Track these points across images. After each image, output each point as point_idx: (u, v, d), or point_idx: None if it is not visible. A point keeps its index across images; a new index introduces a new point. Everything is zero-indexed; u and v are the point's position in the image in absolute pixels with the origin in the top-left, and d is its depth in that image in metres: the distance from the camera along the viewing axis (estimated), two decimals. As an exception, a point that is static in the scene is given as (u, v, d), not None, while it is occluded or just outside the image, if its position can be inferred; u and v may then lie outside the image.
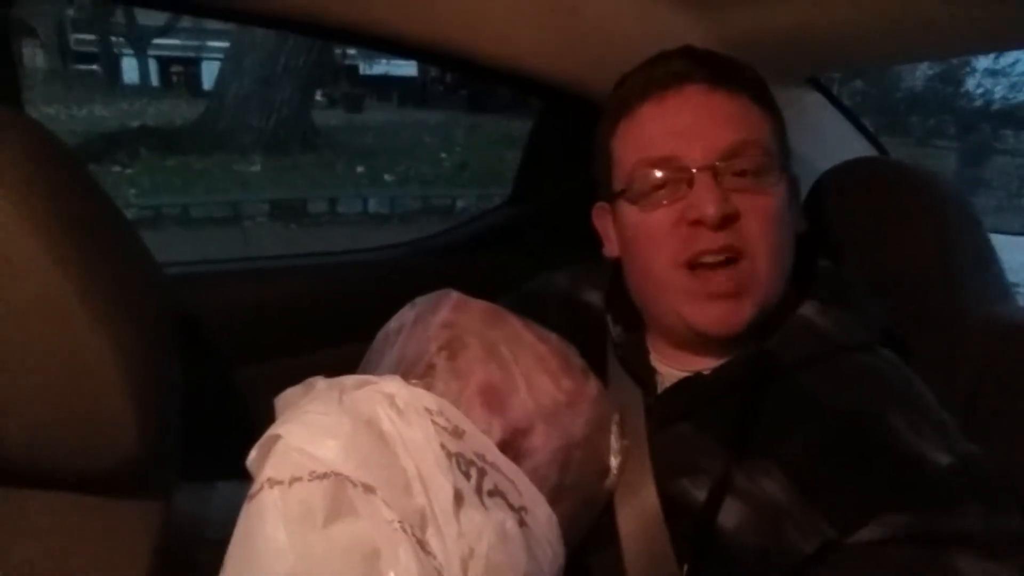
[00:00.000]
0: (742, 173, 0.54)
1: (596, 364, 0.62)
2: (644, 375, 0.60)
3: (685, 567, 0.52)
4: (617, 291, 0.66)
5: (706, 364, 0.58)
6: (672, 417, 0.57)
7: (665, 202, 0.55)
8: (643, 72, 0.59)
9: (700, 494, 0.52)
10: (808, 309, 0.58)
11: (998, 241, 0.76)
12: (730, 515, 0.51)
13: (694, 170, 0.54)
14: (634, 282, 0.61)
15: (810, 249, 0.62)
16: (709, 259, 0.54)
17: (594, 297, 0.68)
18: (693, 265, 0.55)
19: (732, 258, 0.54)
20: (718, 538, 0.51)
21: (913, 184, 0.74)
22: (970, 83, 9.81)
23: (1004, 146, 9.49)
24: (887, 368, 0.55)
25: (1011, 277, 0.77)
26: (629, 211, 0.58)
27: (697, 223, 0.53)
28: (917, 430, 0.50)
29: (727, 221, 0.53)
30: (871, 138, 1.09)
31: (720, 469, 0.52)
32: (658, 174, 0.55)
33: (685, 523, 0.53)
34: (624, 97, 0.59)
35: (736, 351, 0.57)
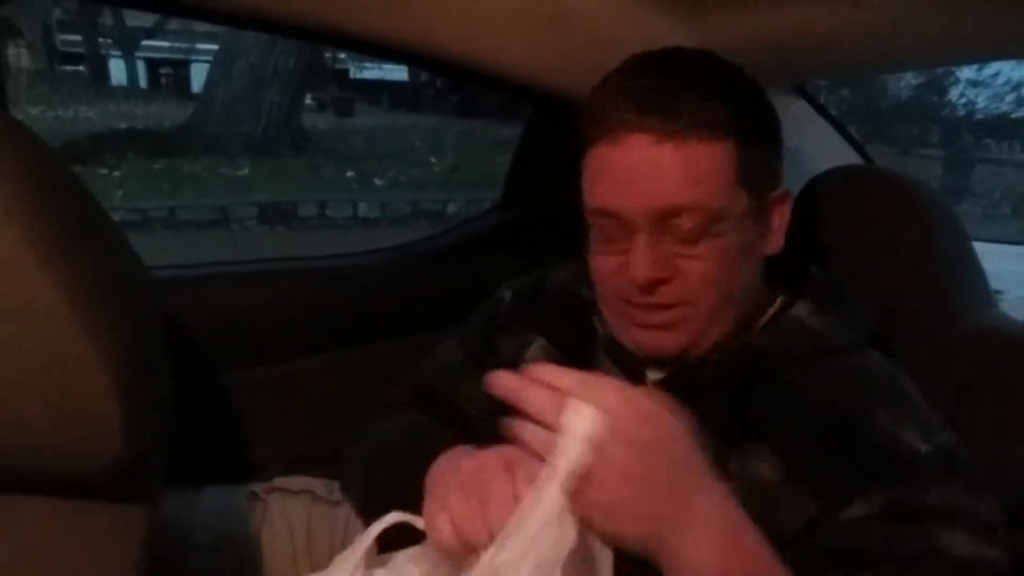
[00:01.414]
0: (683, 237, 0.54)
1: (584, 353, 0.65)
2: (634, 370, 0.62)
3: None
4: None
5: (708, 345, 0.59)
6: None
7: (612, 250, 0.57)
8: (605, 102, 0.56)
9: None
10: (800, 310, 0.59)
11: (981, 249, 0.77)
12: None
13: (635, 228, 0.54)
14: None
15: (803, 252, 0.63)
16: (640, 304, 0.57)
17: (586, 292, 0.68)
18: (629, 302, 0.57)
19: (669, 307, 0.56)
20: None
21: (898, 192, 0.75)
22: (953, 93, 9.98)
23: (987, 155, 9.64)
24: (874, 368, 0.57)
25: (993, 284, 0.79)
26: (592, 243, 0.61)
27: (632, 279, 0.55)
28: (900, 423, 0.52)
29: (657, 284, 0.55)
30: (856, 146, 1.10)
31: (713, 457, 0.52)
32: (608, 224, 0.56)
33: None
34: (586, 126, 0.57)
35: (727, 345, 0.59)
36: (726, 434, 0.54)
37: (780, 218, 0.60)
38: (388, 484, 0.62)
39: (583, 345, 0.66)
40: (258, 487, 0.84)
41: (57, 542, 0.43)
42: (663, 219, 0.53)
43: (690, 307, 0.56)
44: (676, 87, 0.54)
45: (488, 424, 0.67)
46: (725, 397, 0.55)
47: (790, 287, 0.62)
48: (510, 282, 0.77)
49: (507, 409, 0.64)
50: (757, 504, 0.50)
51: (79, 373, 0.38)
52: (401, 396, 0.77)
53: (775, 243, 0.60)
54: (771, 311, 0.61)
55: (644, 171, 0.53)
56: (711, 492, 0.44)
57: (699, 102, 0.53)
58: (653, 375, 0.62)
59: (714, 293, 0.56)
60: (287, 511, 0.81)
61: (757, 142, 0.57)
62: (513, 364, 0.66)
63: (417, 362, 0.79)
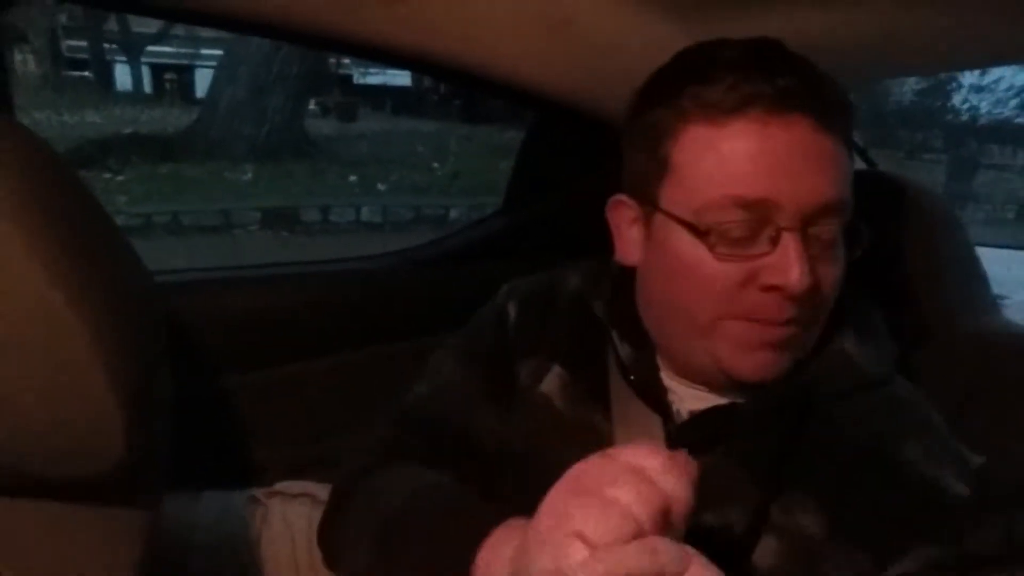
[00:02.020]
0: (826, 240, 0.48)
1: (602, 381, 0.58)
2: (660, 400, 0.55)
3: None
4: (622, 303, 0.58)
5: (728, 395, 0.54)
6: (696, 446, 0.51)
7: (741, 255, 0.47)
8: (736, 72, 0.46)
9: (731, 528, 0.49)
10: (847, 343, 0.53)
11: (984, 254, 0.77)
12: (765, 551, 0.48)
13: (784, 226, 0.46)
14: (660, 309, 0.54)
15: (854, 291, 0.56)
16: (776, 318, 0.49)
17: (598, 307, 0.61)
18: (747, 318, 0.49)
19: (794, 323, 0.49)
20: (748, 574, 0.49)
21: (901, 197, 0.75)
22: (956, 98, 9.96)
23: (990, 160, 9.62)
24: (904, 397, 0.54)
25: (997, 289, 0.79)
26: (688, 244, 0.49)
27: (773, 289, 0.46)
28: (935, 458, 0.49)
29: (807, 293, 0.46)
30: (860, 151, 1.10)
31: (756, 502, 0.49)
32: (744, 220, 0.46)
33: (709, 557, 0.51)
34: (710, 99, 0.47)
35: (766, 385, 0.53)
36: (766, 477, 0.50)
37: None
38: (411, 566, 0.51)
39: (600, 372, 0.58)
40: (259, 491, 0.84)
41: (58, 545, 0.43)
42: (815, 218, 0.46)
43: (810, 323, 0.49)
44: (825, 79, 0.48)
45: (503, 456, 0.61)
46: (768, 437, 0.50)
47: (832, 316, 0.54)
48: (511, 287, 0.68)
49: (525, 440, 0.60)
50: (802, 559, 0.48)
51: (81, 376, 0.38)
52: (393, 434, 0.66)
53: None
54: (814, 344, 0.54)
55: (810, 160, 0.46)
56: None
57: (845, 102, 0.49)
58: (682, 407, 0.55)
59: (828, 307, 0.50)
60: (288, 515, 0.81)
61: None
62: (529, 392, 0.61)
63: (419, 367, 0.77)
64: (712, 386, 0.54)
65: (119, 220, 0.51)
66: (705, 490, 0.48)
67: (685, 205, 0.48)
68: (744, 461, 0.50)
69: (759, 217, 0.46)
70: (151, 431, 0.44)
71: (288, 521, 0.80)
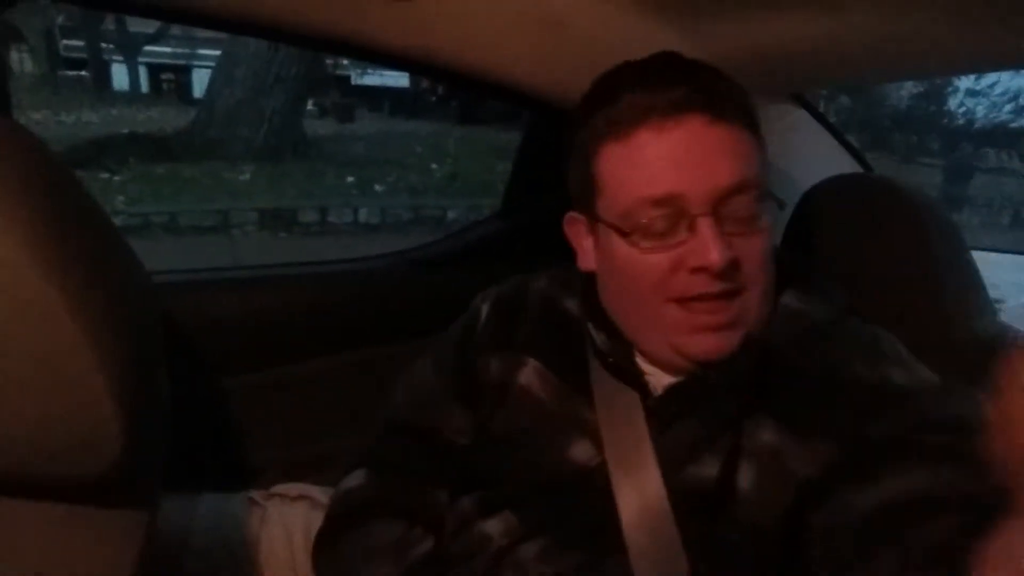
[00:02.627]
0: (742, 216, 0.53)
1: (578, 370, 0.63)
2: (636, 379, 0.61)
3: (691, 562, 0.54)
4: (592, 301, 0.65)
5: (696, 365, 0.59)
6: (678, 413, 0.58)
7: (664, 245, 0.54)
8: (636, 92, 0.54)
9: (709, 471, 0.55)
10: (789, 298, 0.61)
11: (980, 258, 0.77)
12: (744, 477, 0.54)
13: (696, 213, 0.52)
14: (617, 306, 0.61)
15: (787, 249, 0.67)
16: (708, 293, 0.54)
17: (571, 304, 0.67)
18: (683, 300, 0.55)
19: (732, 294, 0.55)
20: (732, 508, 0.54)
21: (897, 201, 0.75)
22: (952, 102, 10.01)
23: (986, 164, 9.66)
24: (853, 331, 0.60)
25: (993, 294, 0.79)
26: (620, 244, 0.56)
27: (699, 270, 0.53)
28: (881, 366, 0.55)
29: (729, 268, 0.53)
30: (856, 154, 1.10)
31: (730, 447, 0.55)
32: (660, 215, 0.53)
33: (695, 508, 0.55)
34: (615, 118, 0.55)
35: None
36: (735, 422, 0.55)
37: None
38: None
39: (576, 362, 0.64)
40: (256, 493, 0.84)
41: (55, 546, 0.43)
42: (723, 199, 0.52)
43: (748, 296, 0.55)
44: (716, 79, 0.55)
45: (478, 452, 0.67)
46: (736, 394, 0.56)
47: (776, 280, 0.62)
48: (486, 293, 0.74)
49: (498, 437, 0.65)
50: (772, 467, 0.54)
51: (78, 377, 0.38)
52: (376, 445, 0.72)
53: (776, 237, 0.63)
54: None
55: (705, 151, 0.52)
56: None
57: (736, 94, 0.55)
58: (658, 384, 0.61)
59: (765, 276, 0.56)
60: (285, 517, 0.81)
61: (763, 139, 0.58)
62: (502, 387, 0.66)
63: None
64: (680, 369, 0.59)
65: (116, 220, 0.51)
66: (686, 448, 0.55)
67: (613, 212, 0.56)
68: (716, 418, 0.56)
69: (673, 210, 0.53)
70: (147, 432, 0.44)
71: (287, 524, 0.80)
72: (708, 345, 0.56)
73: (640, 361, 0.62)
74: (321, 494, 0.84)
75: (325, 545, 0.68)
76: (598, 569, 0.56)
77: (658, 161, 0.53)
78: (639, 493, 0.56)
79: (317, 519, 0.75)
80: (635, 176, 0.54)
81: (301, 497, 0.84)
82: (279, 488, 0.85)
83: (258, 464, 0.96)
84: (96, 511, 0.44)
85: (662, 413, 0.59)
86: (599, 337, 0.62)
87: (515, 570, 0.58)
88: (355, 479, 0.71)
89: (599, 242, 0.60)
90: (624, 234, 0.55)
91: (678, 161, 0.53)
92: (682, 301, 0.55)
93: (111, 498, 0.44)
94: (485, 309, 0.72)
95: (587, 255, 0.63)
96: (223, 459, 0.96)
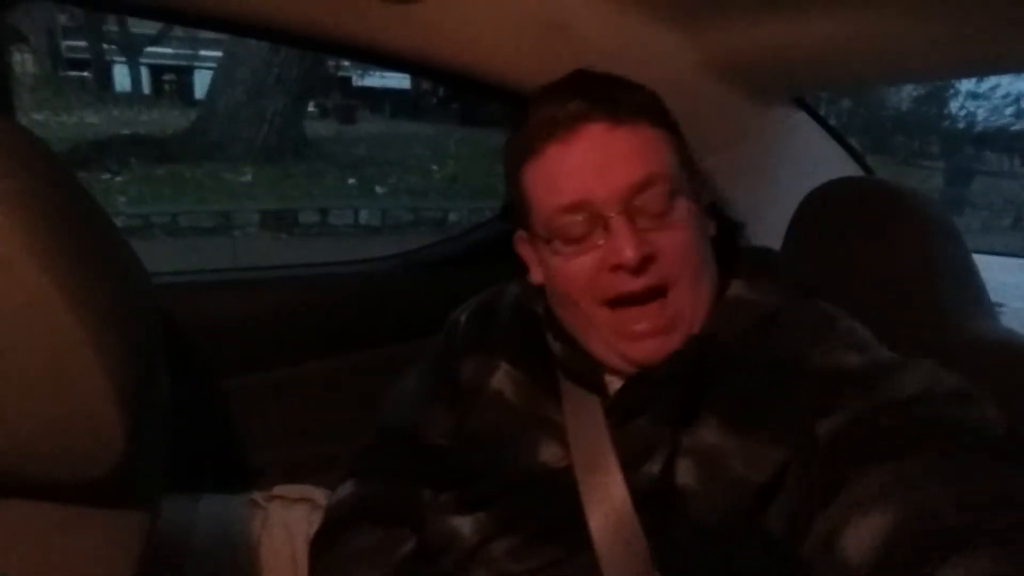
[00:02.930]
0: (654, 211, 0.56)
1: (547, 374, 0.65)
2: (595, 383, 0.62)
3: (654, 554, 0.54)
4: (549, 312, 0.66)
5: (640, 368, 0.60)
6: (629, 413, 0.59)
7: (585, 249, 0.57)
8: (542, 111, 0.58)
9: (657, 470, 0.56)
10: (737, 288, 0.61)
11: (981, 261, 0.77)
12: (685, 473, 0.55)
13: (609, 215, 0.55)
14: (563, 314, 0.63)
15: (731, 232, 0.66)
16: (631, 292, 0.56)
17: (539, 307, 0.69)
18: (615, 304, 0.57)
19: (657, 292, 0.56)
20: (682, 506, 0.54)
21: (898, 204, 0.75)
22: (953, 105, 10.01)
23: (987, 167, 9.66)
24: (806, 315, 0.59)
25: (994, 297, 0.79)
26: (549, 254, 0.59)
27: (617, 268, 0.55)
28: (829, 352, 0.54)
29: (646, 263, 0.55)
30: (857, 157, 1.10)
31: (670, 439, 0.55)
32: (575, 221, 0.56)
33: (652, 504, 0.56)
34: (527, 138, 0.59)
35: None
36: (681, 420, 0.56)
37: (707, 199, 0.63)
38: None
39: (546, 366, 0.65)
40: (258, 495, 0.84)
41: (56, 547, 0.43)
42: (632, 197, 0.55)
43: (675, 289, 0.57)
44: (615, 86, 0.59)
45: (455, 452, 0.69)
46: (678, 389, 0.57)
47: (724, 265, 0.63)
48: (468, 303, 0.77)
49: (472, 438, 0.66)
50: (709, 465, 0.54)
51: (79, 378, 0.38)
52: (366, 448, 0.76)
53: (711, 224, 0.62)
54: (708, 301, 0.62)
55: (607, 155, 0.56)
56: None
57: (639, 97, 0.58)
58: (613, 387, 0.62)
59: (692, 269, 0.57)
60: (287, 519, 0.81)
61: (677, 131, 0.61)
62: (476, 390, 0.68)
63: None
64: (627, 372, 0.61)
65: (117, 221, 0.51)
66: (640, 447, 0.56)
67: (539, 225, 0.59)
68: (663, 416, 0.57)
69: (586, 215, 0.56)
70: (149, 433, 0.44)
71: (288, 526, 0.80)
72: (647, 350, 0.57)
73: (598, 365, 0.63)
74: (322, 496, 0.84)
75: (318, 552, 0.70)
76: (566, 566, 0.57)
77: (565, 171, 0.56)
78: (603, 493, 0.57)
79: (318, 521, 0.75)
80: (548, 188, 0.57)
81: (302, 499, 0.84)
82: (280, 489, 0.85)
83: (259, 465, 0.96)
84: (97, 512, 0.44)
85: (616, 414, 0.60)
86: (555, 346, 0.64)
87: (486, 567, 0.60)
88: (344, 489, 0.73)
89: (539, 255, 0.63)
90: (548, 242, 0.59)
91: (583, 168, 0.56)
92: (613, 305, 0.57)
93: (112, 499, 0.44)
94: (463, 316, 0.75)
95: (535, 269, 0.66)
96: (224, 460, 0.96)
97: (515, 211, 0.64)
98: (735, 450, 0.54)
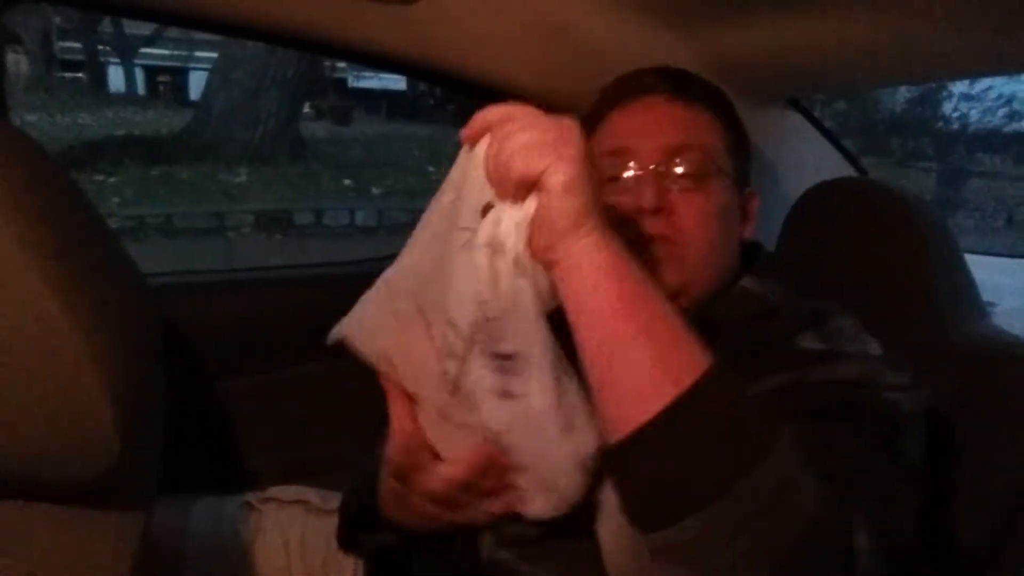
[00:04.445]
0: (683, 174, 0.62)
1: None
2: None
3: None
4: None
5: (694, 295, 0.64)
6: None
7: (618, 190, 0.62)
8: (617, 84, 0.68)
9: None
10: (747, 281, 0.66)
11: (974, 261, 0.78)
12: None
13: (643, 164, 0.62)
14: None
15: (756, 244, 0.71)
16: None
17: None
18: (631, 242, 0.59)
19: (665, 240, 0.61)
20: None
21: (892, 205, 0.75)
22: (947, 107, 10.06)
23: (980, 168, 9.71)
24: (803, 308, 0.63)
25: (986, 296, 0.79)
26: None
27: (639, 210, 0.60)
28: (830, 343, 0.58)
29: (661, 212, 0.60)
30: (851, 159, 1.11)
31: None
32: (615, 163, 0.62)
33: None
34: (599, 107, 0.67)
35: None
36: None
37: (752, 211, 0.69)
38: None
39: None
40: (252, 497, 0.84)
41: (49, 548, 0.43)
42: (670, 156, 0.61)
43: (680, 247, 0.61)
44: (684, 74, 0.67)
45: None
46: None
47: (743, 265, 0.68)
48: None
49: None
50: None
51: (74, 379, 0.38)
52: None
53: (749, 231, 0.68)
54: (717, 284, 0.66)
55: (659, 118, 0.63)
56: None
57: (704, 85, 0.67)
58: None
59: (704, 236, 0.62)
60: (281, 521, 0.81)
61: (739, 138, 0.68)
62: None
63: None
64: None
65: (111, 222, 0.51)
66: None
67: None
68: None
69: (625, 160, 0.63)
70: (144, 434, 0.44)
71: (283, 529, 0.80)
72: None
73: None
74: (317, 498, 0.84)
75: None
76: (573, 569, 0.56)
77: (619, 126, 0.65)
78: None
79: (313, 524, 0.75)
80: (602, 139, 0.65)
81: (297, 501, 0.83)
82: (275, 491, 0.85)
83: (254, 467, 0.96)
84: (91, 513, 0.44)
85: None
86: None
87: (496, 567, 0.59)
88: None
89: None
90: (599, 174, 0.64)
91: (632, 123, 0.64)
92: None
93: (106, 500, 0.44)
94: None
95: None
96: (219, 462, 0.96)
97: None
98: None
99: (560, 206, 0.43)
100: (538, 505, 0.48)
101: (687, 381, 0.40)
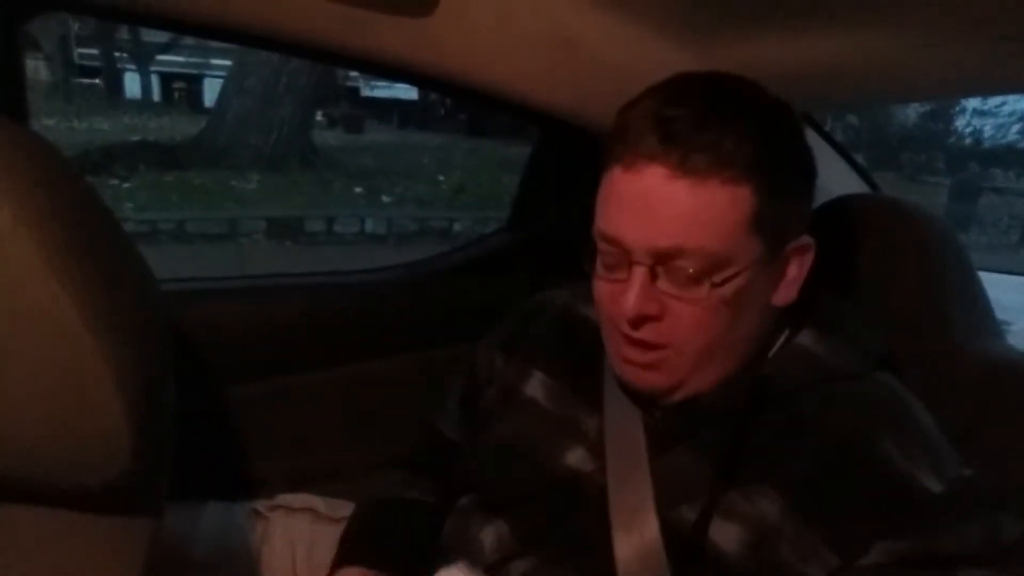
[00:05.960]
0: (681, 278, 0.52)
1: (591, 379, 0.63)
2: (642, 398, 0.60)
3: None
4: None
5: (698, 388, 0.58)
6: (672, 439, 0.57)
7: (609, 279, 0.56)
8: (623, 121, 0.54)
9: (696, 518, 0.53)
10: (805, 338, 0.58)
11: (987, 279, 0.77)
12: (728, 537, 0.52)
13: (635, 260, 0.53)
14: None
15: (811, 281, 0.58)
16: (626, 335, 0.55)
17: (590, 311, 0.66)
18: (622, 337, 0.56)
19: (651, 346, 0.54)
20: (717, 563, 0.52)
21: (904, 221, 0.75)
22: (960, 122, 10.02)
23: (993, 184, 9.64)
24: (881, 394, 0.56)
25: (1000, 315, 0.78)
26: (597, 265, 0.59)
27: (623, 314, 0.54)
28: (909, 455, 0.51)
29: (645, 321, 0.53)
30: (863, 174, 1.10)
31: (719, 491, 0.53)
32: (609, 251, 0.55)
33: (684, 549, 0.53)
34: (610, 145, 0.55)
35: (730, 377, 0.57)
36: (729, 468, 0.53)
37: (798, 269, 0.56)
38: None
39: (589, 372, 0.64)
40: (260, 504, 0.84)
41: (60, 553, 0.43)
42: (661, 261, 0.52)
43: (673, 351, 0.54)
44: (704, 120, 0.50)
45: (476, 455, 0.68)
46: (727, 428, 0.54)
47: (796, 315, 0.59)
48: (505, 317, 0.76)
49: (496, 443, 0.66)
50: (762, 544, 0.51)
51: (88, 385, 0.39)
52: (414, 442, 0.80)
53: (786, 294, 0.56)
54: (779, 341, 0.60)
55: (654, 206, 0.51)
56: None
57: (726, 139, 0.50)
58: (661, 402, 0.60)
59: (703, 341, 0.53)
60: (289, 528, 0.81)
61: (783, 186, 0.53)
62: (505, 393, 0.67)
63: (423, 380, 0.80)
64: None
65: (125, 227, 0.51)
66: (680, 480, 0.54)
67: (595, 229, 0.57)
68: (707, 453, 0.55)
69: (620, 250, 0.53)
70: (155, 440, 0.44)
71: (290, 536, 0.80)
72: (631, 375, 0.57)
73: None
74: (324, 505, 0.84)
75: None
76: None
77: (615, 202, 0.53)
78: (634, 518, 0.55)
79: (320, 531, 0.75)
80: (601, 208, 0.55)
81: (305, 509, 0.83)
82: (283, 499, 0.85)
83: (263, 474, 0.96)
84: (101, 519, 0.44)
85: (656, 435, 0.58)
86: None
87: None
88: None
89: None
90: (592, 257, 0.58)
91: (629, 209, 0.52)
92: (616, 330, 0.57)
93: (116, 506, 0.44)
94: (508, 320, 0.75)
95: None
96: (227, 469, 0.96)
97: None
98: (792, 536, 0.50)
99: None
100: None
101: None
